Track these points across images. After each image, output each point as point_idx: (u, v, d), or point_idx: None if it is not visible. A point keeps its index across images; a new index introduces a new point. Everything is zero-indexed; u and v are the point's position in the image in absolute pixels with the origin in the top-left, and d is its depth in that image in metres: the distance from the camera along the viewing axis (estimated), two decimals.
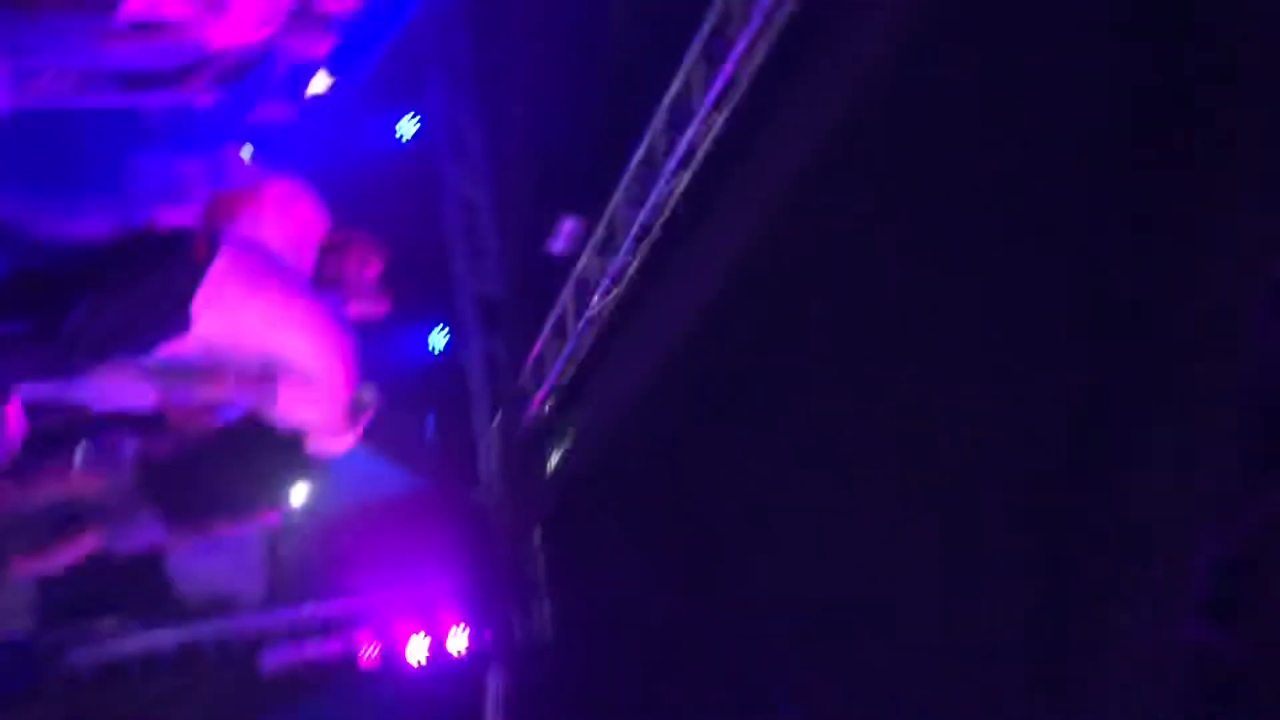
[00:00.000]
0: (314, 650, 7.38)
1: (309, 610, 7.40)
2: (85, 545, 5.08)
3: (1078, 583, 4.22)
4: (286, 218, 4.19)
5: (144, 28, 6.06)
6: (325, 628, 7.45)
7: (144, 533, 5.04)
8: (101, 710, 6.82)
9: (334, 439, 3.90)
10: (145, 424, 5.68)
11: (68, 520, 5.15)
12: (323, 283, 4.36)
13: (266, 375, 3.63)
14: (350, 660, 7.52)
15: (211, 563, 6.42)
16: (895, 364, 4.82)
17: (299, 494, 5.99)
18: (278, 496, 5.19)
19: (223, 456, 4.97)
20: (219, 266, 3.38)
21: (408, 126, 8.46)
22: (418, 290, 8.16)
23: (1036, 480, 4.35)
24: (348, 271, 4.43)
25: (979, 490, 4.57)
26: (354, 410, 3.87)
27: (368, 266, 4.46)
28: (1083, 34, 4.07)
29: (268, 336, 3.56)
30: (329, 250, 4.33)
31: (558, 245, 6.42)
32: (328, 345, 3.68)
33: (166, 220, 4.14)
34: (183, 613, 6.87)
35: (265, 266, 3.60)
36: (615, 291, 6.46)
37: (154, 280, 3.32)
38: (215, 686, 7.16)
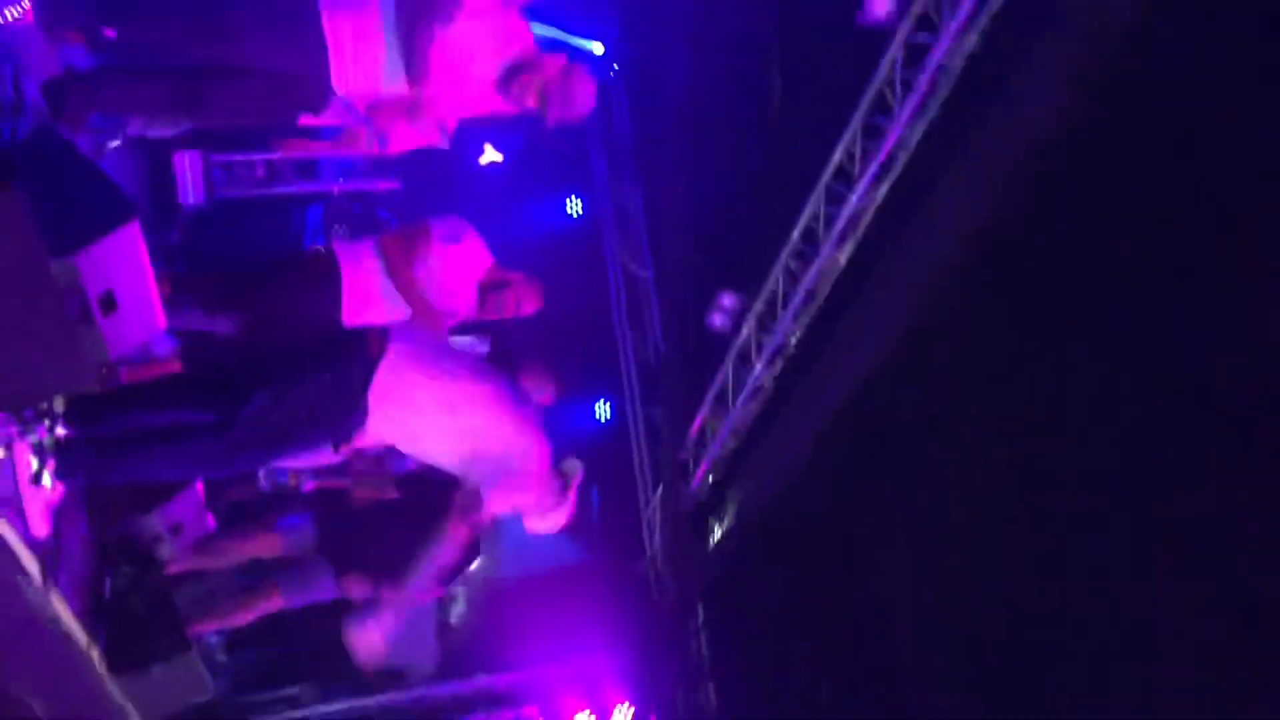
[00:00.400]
0: None
1: (478, 684, 7.51)
2: (267, 607, 5.31)
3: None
4: (451, 254, 4.35)
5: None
6: (494, 701, 7.55)
7: (320, 589, 5.23)
8: None
9: (548, 517, 3.90)
10: (325, 491, 5.92)
11: (252, 583, 5.41)
12: (484, 312, 4.51)
13: (462, 463, 3.67)
14: None
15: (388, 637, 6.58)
16: (1058, 437, 4.63)
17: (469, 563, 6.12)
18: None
19: (398, 522, 5.15)
20: (390, 361, 3.48)
21: (572, 202, 8.70)
22: (582, 362, 8.33)
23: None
24: (507, 308, 4.58)
25: (1142, 561, 4.34)
26: (560, 485, 3.87)
27: (526, 304, 4.59)
28: None
29: (449, 426, 3.62)
30: (490, 288, 4.48)
31: (717, 319, 6.43)
32: (513, 427, 3.71)
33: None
34: (359, 684, 7.07)
35: (437, 356, 3.69)
36: (776, 365, 6.42)
37: (329, 376, 3.45)
38: None
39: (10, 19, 3.00)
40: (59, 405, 3.34)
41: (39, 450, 3.10)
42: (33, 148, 3.12)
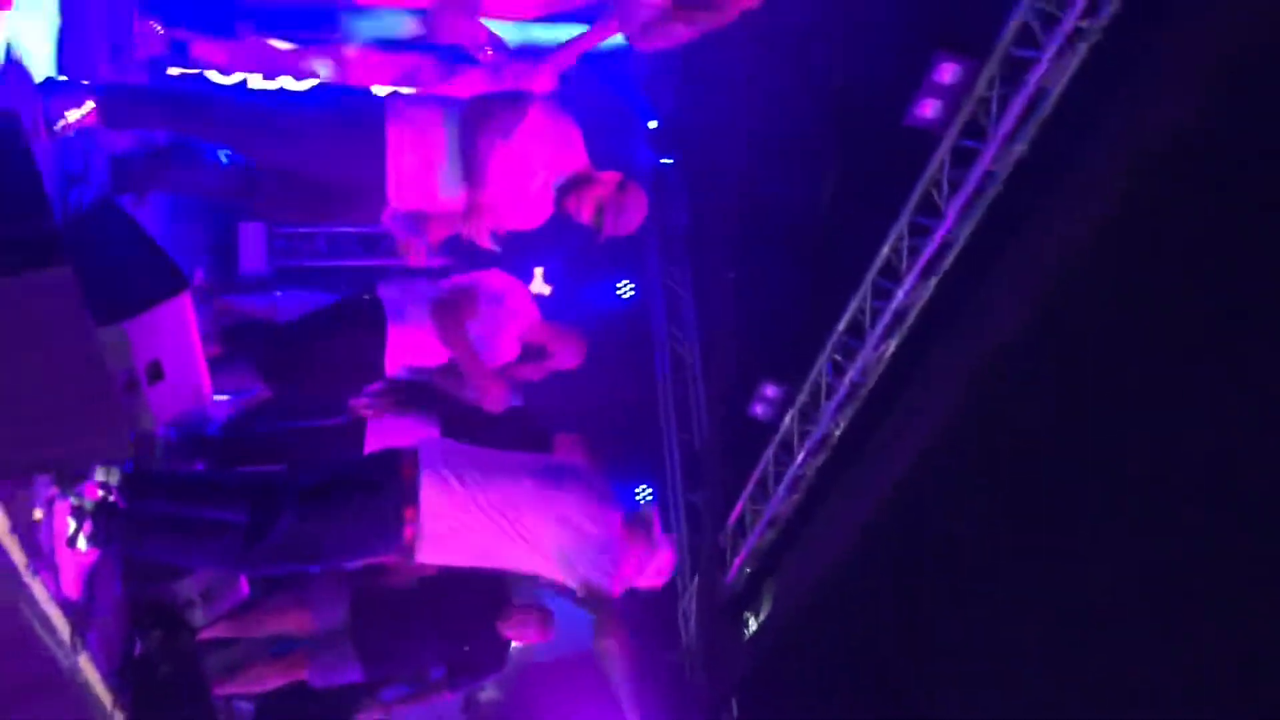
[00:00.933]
0: None
1: None
2: (294, 675, 5.31)
3: None
4: (499, 311, 4.41)
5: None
6: None
7: (345, 673, 5.22)
8: None
9: (656, 568, 3.85)
10: (365, 570, 5.91)
11: (281, 650, 5.42)
12: (525, 367, 4.54)
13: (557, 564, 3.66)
14: None
15: (413, 713, 6.54)
16: (1104, 538, 4.55)
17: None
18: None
19: (431, 612, 5.14)
20: (428, 488, 3.49)
21: (626, 288, 8.81)
22: (626, 446, 8.34)
23: None
24: (549, 362, 4.61)
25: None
26: (645, 533, 3.82)
27: (567, 357, 4.61)
28: None
29: (516, 536, 3.61)
30: (535, 340, 4.52)
31: (759, 409, 6.43)
32: (580, 505, 3.67)
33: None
34: None
35: (475, 465, 3.66)
36: (818, 456, 6.39)
37: (363, 499, 3.49)
38: None
39: (74, 120, 3.14)
40: (112, 478, 3.42)
41: (78, 513, 3.16)
42: (94, 218, 3.24)
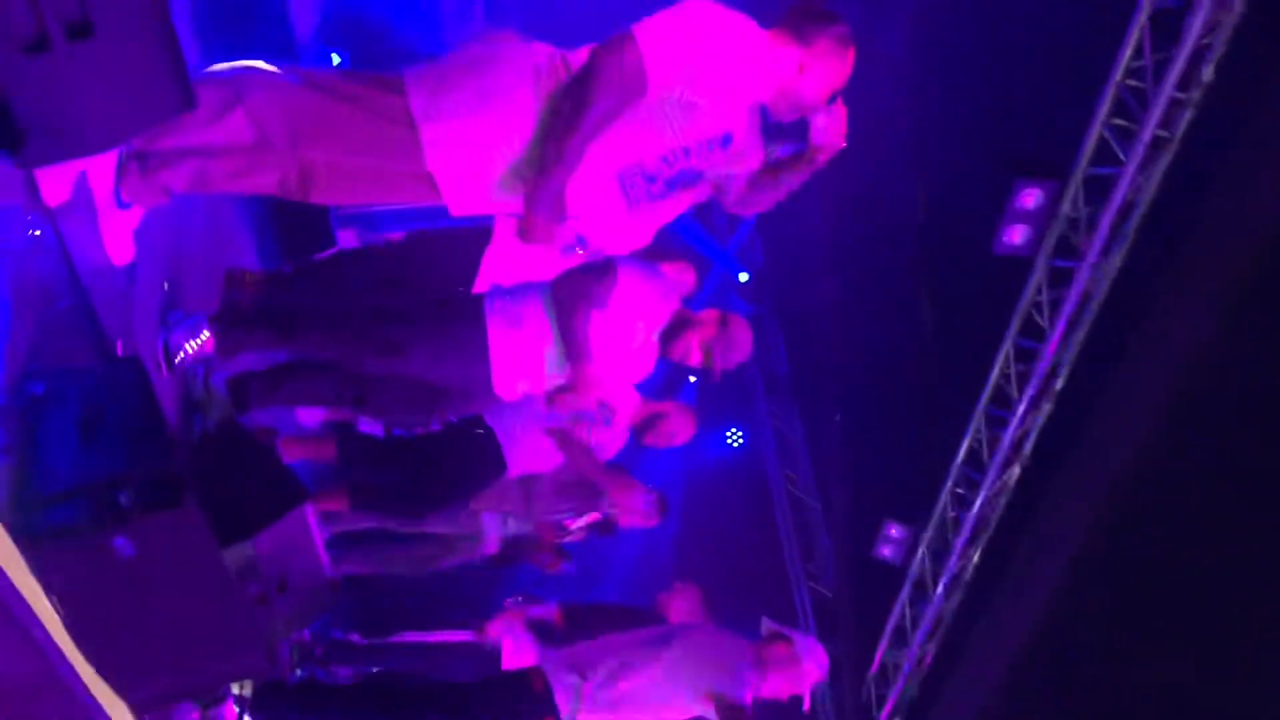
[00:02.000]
0: None
1: None
2: None
3: None
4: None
5: None
6: None
7: None
8: None
9: (814, 674, 3.84)
10: None
11: None
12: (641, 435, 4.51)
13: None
14: None
15: None
16: (1250, 659, 4.27)
17: None
18: None
19: None
20: (560, 695, 3.59)
21: (735, 436, 8.80)
22: (756, 596, 8.19)
23: None
24: (661, 436, 4.56)
25: None
26: (782, 648, 3.80)
27: (684, 430, 4.53)
28: None
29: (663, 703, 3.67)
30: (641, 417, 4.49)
31: (886, 550, 6.28)
32: (706, 649, 3.71)
33: None
34: None
35: (591, 657, 3.75)
36: (954, 596, 6.19)
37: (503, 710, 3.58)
38: None
39: (193, 351, 3.33)
40: (247, 690, 3.50)
41: None
42: (217, 440, 3.40)
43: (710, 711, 3.71)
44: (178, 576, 2.27)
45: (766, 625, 3.94)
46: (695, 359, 3.83)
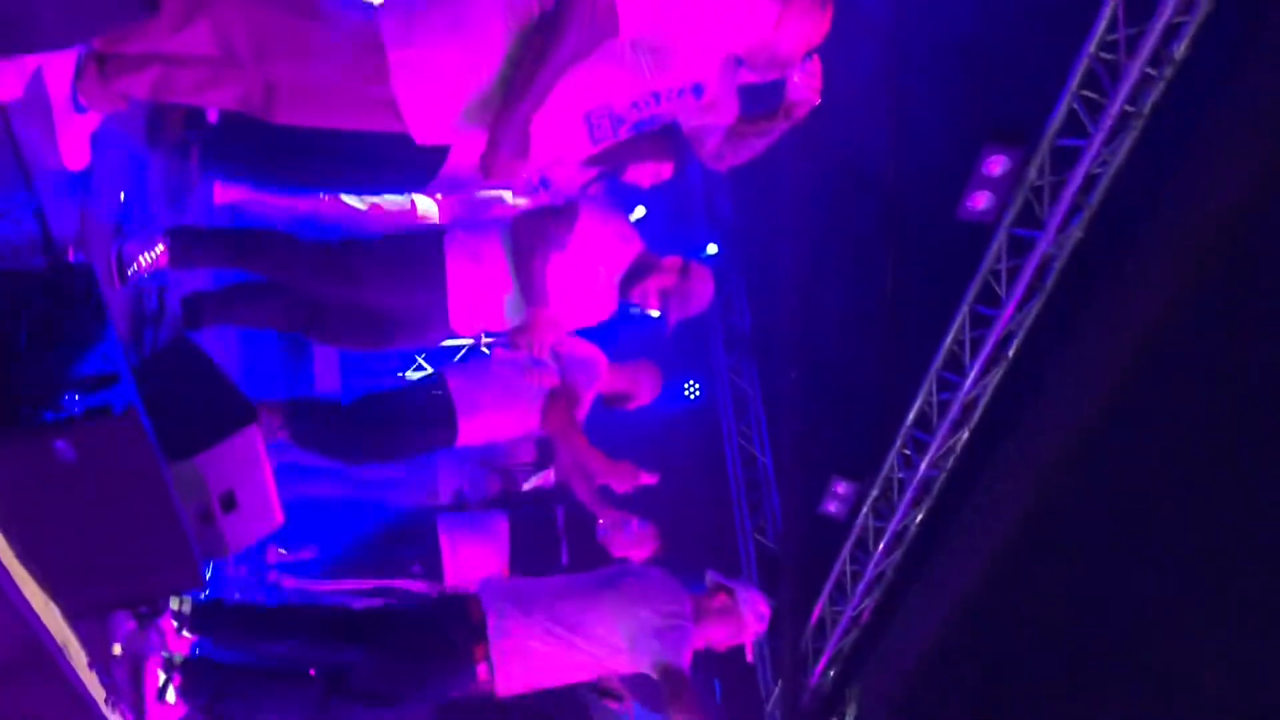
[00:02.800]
0: None
1: None
2: None
3: None
4: (590, 378, 4.40)
5: None
6: None
7: None
8: None
9: (755, 625, 3.86)
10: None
11: None
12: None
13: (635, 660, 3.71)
14: None
15: None
16: (1189, 633, 4.38)
17: None
18: None
19: None
20: (494, 625, 3.57)
21: (692, 388, 8.84)
22: (703, 547, 8.28)
23: None
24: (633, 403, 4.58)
25: None
26: (723, 597, 3.82)
27: (649, 392, 4.62)
28: None
29: (589, 649, 3.66)
30: (614, 389, 4.52)
31: (832, 507, 6.36)
32: (641, 604, 3.71)
33: None
34: None
35: (535, 595, 3.75)
36: (895, 553, 6.29)
37: (435, 643, 3.57)
38: None
39: (146, 264, 3.29)
40: (185, 607, 3.51)
41: (167, 666, 3.25)
42: (168, 356, 3.37)
43: (649, 669, 3.73)
44: (118, 486, 2.26)
45: (711, 577, 3.98)
46: (652, 304, 3.81)
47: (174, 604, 3.44)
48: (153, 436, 2.23)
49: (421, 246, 3.58)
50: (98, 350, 2.21)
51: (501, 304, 3.64)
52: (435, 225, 3.81)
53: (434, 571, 4.81)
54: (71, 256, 2.84)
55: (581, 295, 3.76)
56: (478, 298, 3.61)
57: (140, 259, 3.27)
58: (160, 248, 3.31)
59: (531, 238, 3.55)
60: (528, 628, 3.61)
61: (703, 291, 3.87)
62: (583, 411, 4.45)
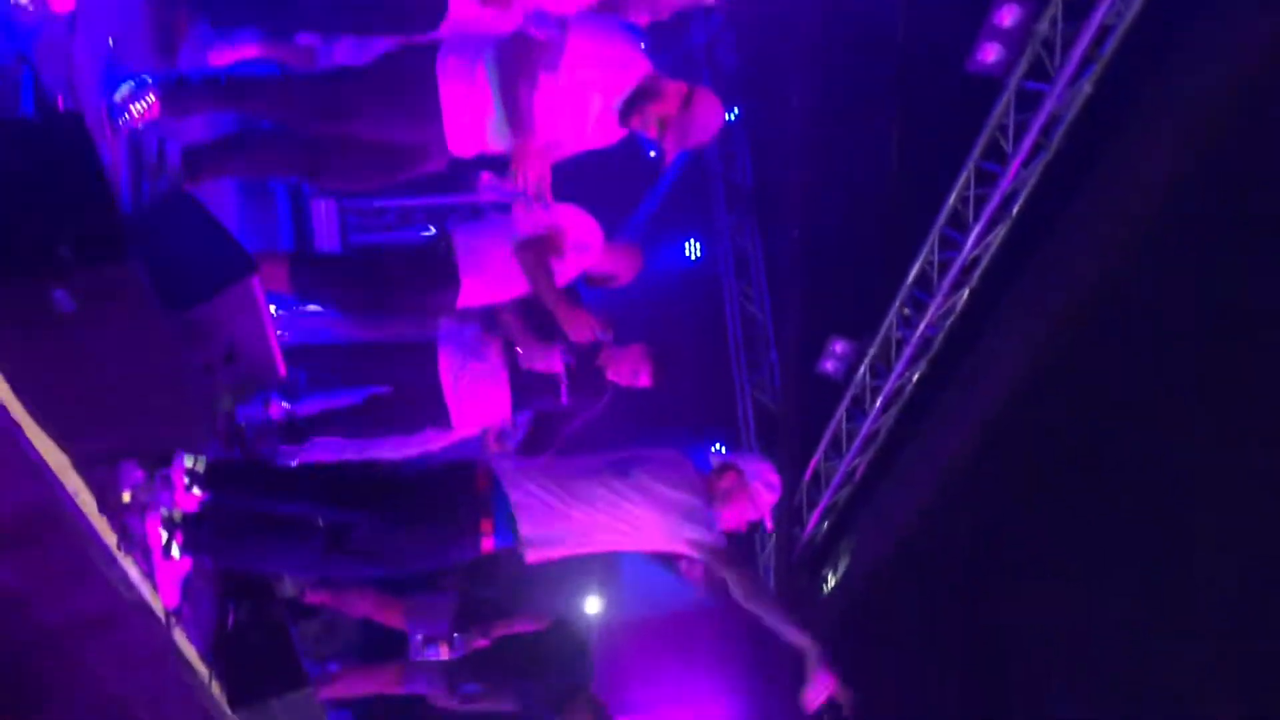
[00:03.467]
0: None
1: None
2: (387, 685, 5.45)
3: None
4: (581, 248, 4.38)
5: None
6: None
7: (431, 685, 5.37)
8: None
9: (766, 496, 3.81)
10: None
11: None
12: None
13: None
14: None
15: None
16: (1181, 487, 4.45)
17: (591, 605, 6.23)
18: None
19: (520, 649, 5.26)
20: (507, 483, 3.58)
21: (693, 247, 8.79)
22: (699, 406, 8.37)
23: None
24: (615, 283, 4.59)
25: None
26: (734, 480, 3.77)
27: (630, 272, 4.59)
28: None
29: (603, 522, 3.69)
30: (601, 269, 4.48)
31: (830, 365, 6.40)
32: (655, 485, 3.73)
33: None
34: None
35: (547, 473, 3.75)
36: (890, 411, 6.36)
37: (441, 510, 3.59)
38: None
39: (138, 114, 3.22)
40: (199, 466, 3.55)
41: (168, 524, 3.29)
42: (166, 207, 3.33)
43: (684, 548, 3.74)
44: (119, 335, 2.26)
45: (715, 457, 3.98)
46: (652, 132, 3.64)
47: (188, 461, 3.48)
48: (152, 284, 2.22)
49: (413, 70, 3.46)
50: (91, 200, 2.19)
51: (486, 128, 3.52)
52: (425, 44, 3.62)
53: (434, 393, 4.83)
54: (61, 104, 2.78)
55: (575, 121, 3.60)
56: (469, 119, 3.49)
57: (131, 108, 3.20)
58: (151, 97, 3.24)
59: (517, 62, 3.35)
60: (543, 494, 3.64)
61: (706, 121, 3.64)
62: (567, 272, 4.42)
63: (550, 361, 4.62)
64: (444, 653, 5.23)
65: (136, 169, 3.51)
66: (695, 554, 3.71)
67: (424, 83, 3.43)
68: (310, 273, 4.39)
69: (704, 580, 4.54)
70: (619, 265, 4.61)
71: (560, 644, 5.25)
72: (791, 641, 3.66)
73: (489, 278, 4.37)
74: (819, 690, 3.52)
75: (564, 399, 4.72)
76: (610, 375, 4.66)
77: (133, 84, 3.24)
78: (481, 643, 5.23)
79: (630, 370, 4.64)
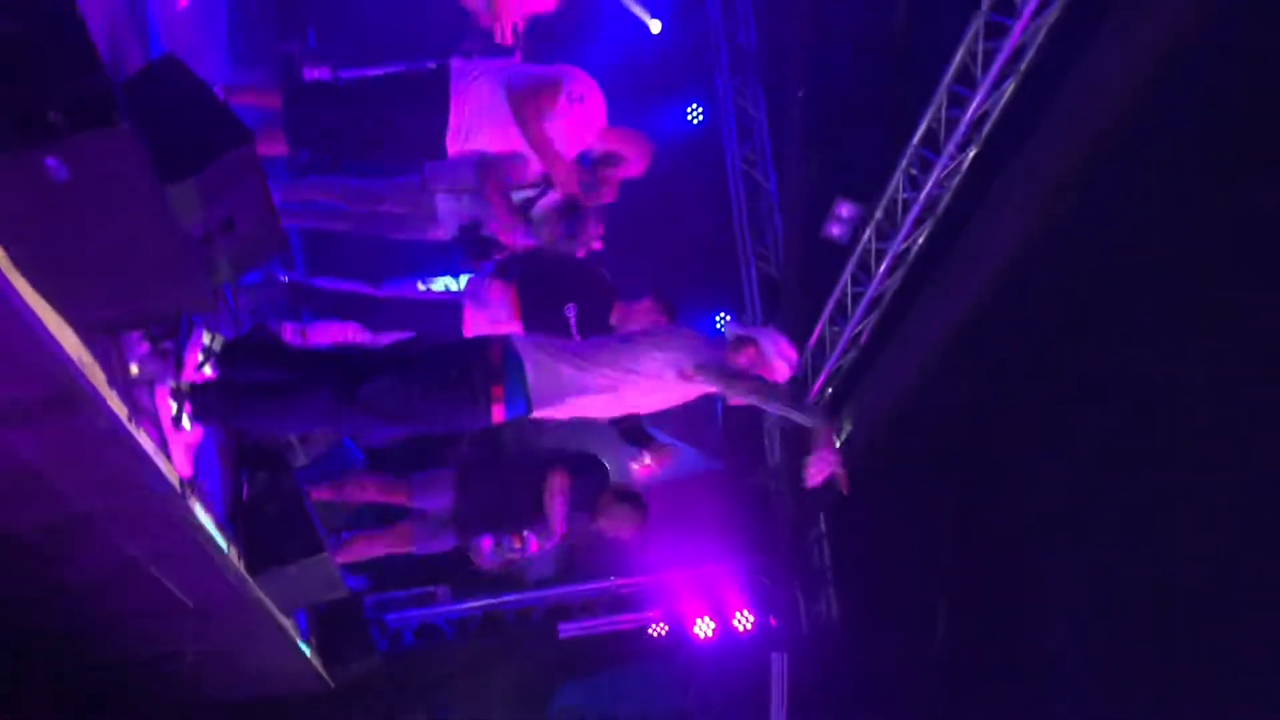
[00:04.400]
0: (607, 623, 7.76)
1: (600, 588, 7.78)
2: (398, 547, 5.58)
3: None
4: (575, 111, 4.45)
5: None
6: (617, 605, 7.81)
7: (441, 542, 5.51)
8: (419, 664, 7.54)
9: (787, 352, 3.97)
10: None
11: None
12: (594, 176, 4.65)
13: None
14: (640, 633, 7.84)
15: None
16: (1185, 356, 4.44)
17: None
18: None
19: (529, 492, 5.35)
20: (519, 347, 3.65)
21: (695, 111, 8.62)
22: (705, 273, 8.34)
23: None
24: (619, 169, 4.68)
25: None
26: (749, 349, 3.91)
27: (637, 164, 4.72)
28: None
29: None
30: (604, 145, 4.61)
31: (835, 229, 6.34)
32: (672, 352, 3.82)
33: None
34: (491, 586, 7.44)
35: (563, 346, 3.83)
36: (895, 274, 6.32)
37: (455, 365, 3.64)
38: (518, 650, 7.71)
39: None
40: (216, 344, 3.57)
41: (176, 395, 3.31)
42: (156, 75, 3.26)
43: (695, 380, 3.81)
44: (115, 202, 2.24)
45: (730, 330, 4.01)
46: None
47: (205, 339, 3.49)
48: (146, 149, 2.18)
49: None
50: (80, 63, 2.13)
51: None
52: None
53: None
54: None
55: None
56: None
57: None
58: None
59: None
60: (555, 360, 3.72)
61: None
62: (567, 130, 4.39)
63: (518, 238, 4.73)
64: (517, 545, 5.34)
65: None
66: (709, 384, 3.79)
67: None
68: (305, 104, 4.35)
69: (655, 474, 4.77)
70: (625, 146, 4.59)
71: (581, 481, 5.36)
72: (800, 422, 3.81)
73: (478, 110, 4.34)
74: (820, 468, 3.66)
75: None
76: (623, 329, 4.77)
77: None
78: (550, 543, 5.35)
79: (644, 323, 4.71)
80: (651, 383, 3.85)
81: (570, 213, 5.21)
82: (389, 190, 5.24)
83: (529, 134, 4.36)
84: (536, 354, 3.79)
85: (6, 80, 2.10)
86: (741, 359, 3.87)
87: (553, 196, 5.17)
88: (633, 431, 4.92)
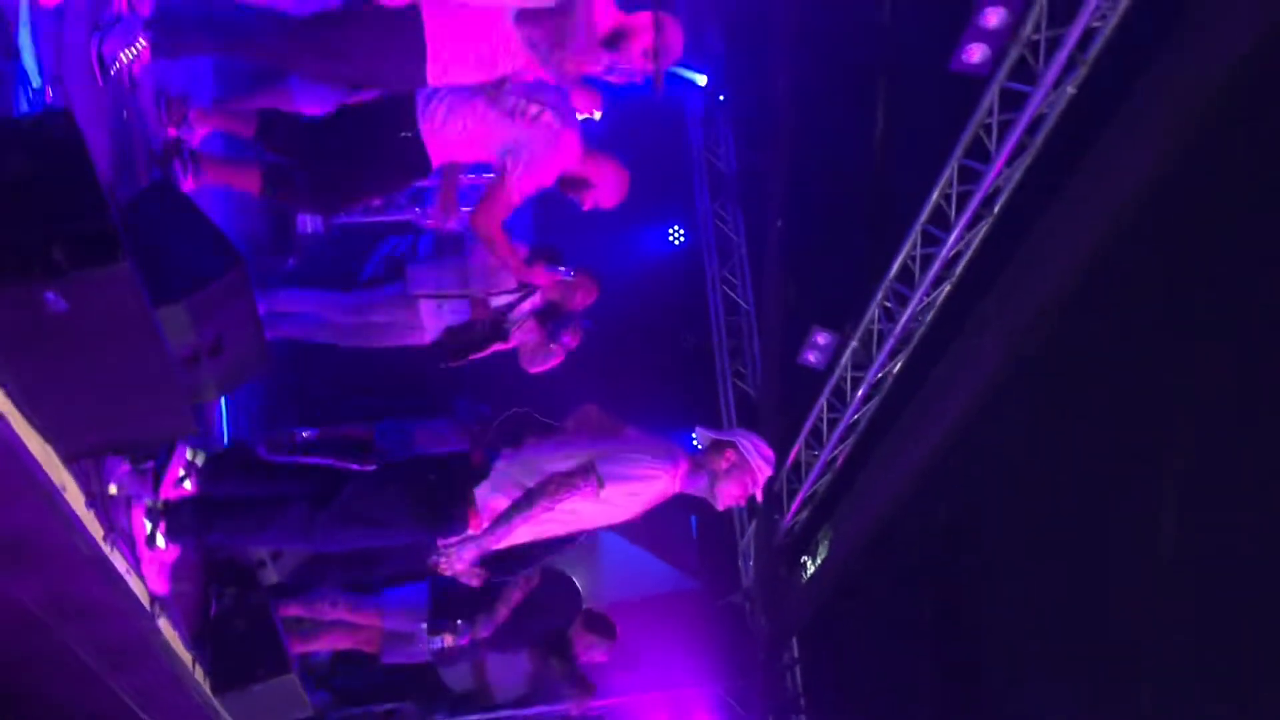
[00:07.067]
0: None
1: (564, 710, 7.62)
2: (367, 645, 5.51)
3: None
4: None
5: None
6: None
7: (411, 655, 5.46)
8: None
9: (763, 468, 3.99)
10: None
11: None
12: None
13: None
14: None
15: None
16: (1159, 485, 4.52)
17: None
18: None
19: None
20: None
21: (677, 233, 8.80)
22: (682, 393, 8.41)
23: None
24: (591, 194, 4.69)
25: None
26: (728, 456, 3.93)
27: (610, 192, 4.72)
28: None
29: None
30: (578, 172, 4.57)
31: (811, 356, 6.44)
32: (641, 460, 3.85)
33: None
34: (455, 704, 7.28)
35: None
36: (871, 402, 6.41)
37: (434, 469, 3.68)
38: None
39: (128, 60, 3.21)
40: (199, 459, 3.58)
41: (152, 514, 3.32)
42: (152, 199, 3.34)
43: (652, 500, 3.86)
44: (109, 334, 2.29)
45: (705, 434, 4.04)
46: (639, 64, 3.82)
47: (189, 455, 3.51)
48: (142, 285, 2.24)
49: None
50: (84, 201, 2.20)
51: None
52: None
53: None
54: (49, 97, 2.78)
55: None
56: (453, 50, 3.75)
57: (122, 55, 3.20)
58: (142, 42, 3.24)
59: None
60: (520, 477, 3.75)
61: (678, 37, 3.90)
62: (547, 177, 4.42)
63: (454, 219, 4.82)
64: (449, 641, 5.30)
65: (125, 128, 3.50)
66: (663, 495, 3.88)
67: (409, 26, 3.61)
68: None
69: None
70: (601, 177, 4.61)
71: (550, 590, 5.35)
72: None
73: (452, 144, 4.33)
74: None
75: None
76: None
77: (121, 30, 3.22)
78: (485, 632, 5.31)
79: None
80: (605, 511, 3.89)
81: (550, 316, 5.31)
82: (376, 299, 5.32)
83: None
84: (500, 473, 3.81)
85: (12, 215, 2.16)
86: (723, 462, 3.90)
87: (533, 301, 5.26)
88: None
